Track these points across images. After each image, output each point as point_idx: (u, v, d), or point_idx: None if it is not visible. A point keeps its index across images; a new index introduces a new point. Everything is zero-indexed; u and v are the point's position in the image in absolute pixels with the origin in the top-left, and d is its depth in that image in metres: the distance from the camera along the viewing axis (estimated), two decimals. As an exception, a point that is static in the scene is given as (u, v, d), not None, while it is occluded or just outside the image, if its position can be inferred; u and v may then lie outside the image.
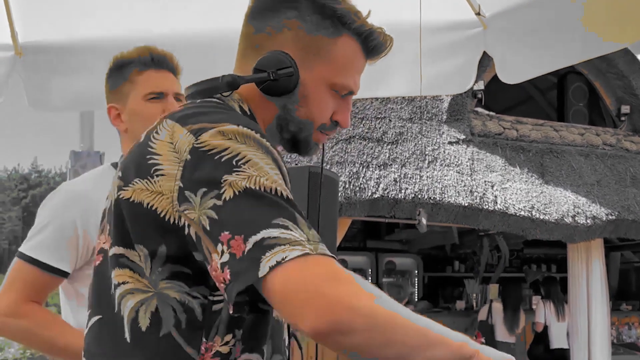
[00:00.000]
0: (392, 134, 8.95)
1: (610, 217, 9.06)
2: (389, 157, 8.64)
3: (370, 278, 11.01)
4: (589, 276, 9.47)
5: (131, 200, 1.30)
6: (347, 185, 8.09)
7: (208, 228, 1.19)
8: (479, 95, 9.49)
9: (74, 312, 2.30)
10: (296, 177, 3.10)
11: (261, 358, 1.35)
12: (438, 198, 8.35)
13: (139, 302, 1.30)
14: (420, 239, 11.44)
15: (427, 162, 8.73)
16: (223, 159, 1.22)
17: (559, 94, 11.43)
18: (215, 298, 1.29)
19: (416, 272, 11.93)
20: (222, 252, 1.17)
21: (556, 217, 8.71)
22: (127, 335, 1.31)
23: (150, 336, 1.28)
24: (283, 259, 1.12)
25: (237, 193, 1.18)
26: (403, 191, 8.26)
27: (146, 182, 1.28)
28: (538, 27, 2.87)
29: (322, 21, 1.44)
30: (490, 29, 3.06)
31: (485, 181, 8.77)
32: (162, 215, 1.26)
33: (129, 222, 1.31)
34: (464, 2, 3.04)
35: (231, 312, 1.20)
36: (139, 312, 1.29)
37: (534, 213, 8.65)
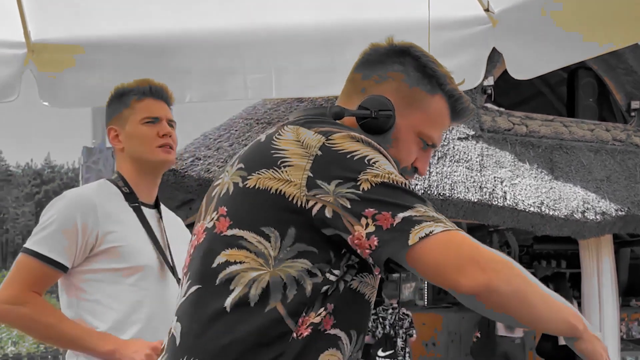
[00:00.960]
0: (401, 130, 8.96)
1: (620, 212, 9.06)
2: (398, 153, 8.65)
3: (381, 274, 11.03)
4: (600, 272, 9.47)
5: (256, 187, 1.45)
6: (357, 182, 8.11)
7: (349, 207, 1.37)
8: (489, 91, 9.49)
9: (74, 308, 2.42)
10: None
11: (348, 339, 1.48)
12: (447, 194, 8.37)
13: (251, 279, 1.42)
14: (430, 235, 11.44)
15: (436, 158, 8.75)
16: (355, 158, 1.40)
17: (568, 90, 11.42)
18: (331, 277, 1.42)
19: (425, 267, 11.93)
20: (367, 224, 1.35)
21: (565, 213, 8.72)
22: (227, 305, 1.43)
23: (256, 309, 1.41)
24: (431, 232, 1.32)
25: (374, 185, 1.37)
26: (413, 187, 8.27)
27: (272, 171, 1.44)
28: (548, 23, 2.88)
29: (422, 79, 1.64)
30: (500, 25, 3.06)
31: (494, 177, 8.78)
32: (290, 199, 1.41)
33: (253, 207, 1.46)
34: (473, -1, 3.05)
35: (377, 273, 1.48)
36: (251, 289, 1.41)
37: (543, 209, 8.66)
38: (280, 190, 1.43)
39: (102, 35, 3.15)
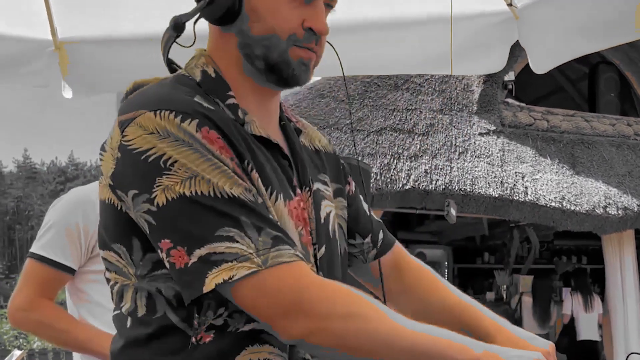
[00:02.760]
0: (422, 126, 8.96)
1: (642, 207, 9.01)
2: (419, 148, 8.65)
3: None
4: (622, 267, 9.43)
5: (100, 199, 1.29)
6: (378, 177, 8.12)
7: (148, 231, 1.18)
8: (510, 86, 9.47)
9: (76, 309, 2.49)
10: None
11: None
12: (468, 189, 8.36)
13: (131, 295, 1.28)
14: (451, 230, 11.43)
15: (457, 153, 8.73)
16: (150, 160, 1.16)
17: (590, 84, 11.35)
18: None
19: (446, 263, 11.90)
20: (164, 258, 1.17)
21: (587, 208, 8.68)
22: (128, 323, 1.30)
23: (147, 319, 1.27)
24: (230, 278, 1.11)
25: (170, 200, 1.14)
26: (434, 183, 8.28)
27: (102, 178, 1.27)
28: (570, 16, 2.89)
29: None
30: (522, 19, 3.07)
31: (515, 172, 8.76)
32: (118, 207, 1.24)
33: (102, 222, 1.31)
34: (495, -7, 3.06)
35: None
36: (137, 302, 1.28)
37: (564, 204, 8.63)
38: (111, 199, 1.25)
39: (126, 32, 3.21)
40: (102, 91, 3.38)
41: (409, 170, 8.35)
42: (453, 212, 7.63)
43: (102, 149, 1.27)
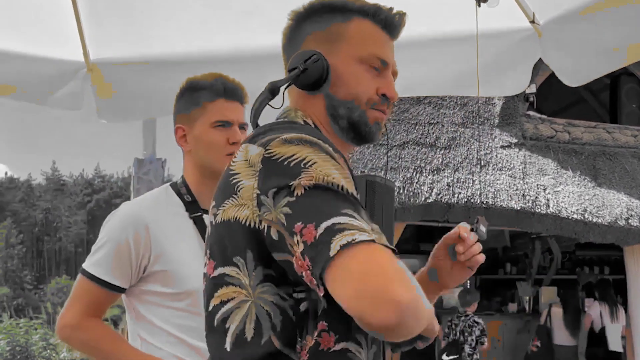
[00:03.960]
0: (445, 139, 9.00)
1: (664, 219, 8.98)
2: (442, 162, 8.69)
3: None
4: (644, 279, 9.39)
5: (223, 220, 1.42)
6: (401, 191, 8.17)
7: (285, 223, 1.29)
8: (531, 99, 9.48)
9: (133, 324, 2.47)
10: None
11: (360, 348, 1.42)
12: (491, 202, 8.38)
13: (244, 315, 1.39)
14: (472, 241, 11.42)
15: (479, 166, 8.75)
16: (292, 164, 1.32)
17: (611, 96, 11.35)
18: (299, 295, 1.37)
19: (468, 274, 11.89)
20: (298, 242, 1.27)
21: (609, 220, 8.67)
22: (227, 345, 1.41)
23: (253, 345, 1.37)
24: (353, 240, 1.22)
25: (306, 189, 1.29)
26: (456, 196, 8.31)
27: (232, 199, 1.40)
28: (593, 32, 2.92)
29: (332, 15, 1.59)
30: (545, 36, 3.11)
31: (537, 185, 8.77)
32: (244, 223, 1.37)
33: (224, 241, 1.42)
34: (518, 11, 3.10)
35: (321, 294, 1.28)
36: (246, 324, 1.38)
37: (586, 216, 8.62)
38: (238, 217, 1.38)
39: (155, 54, 3.27)
40: (132, 118, 3.44)
41: (431, 183, 8.39)
42: (483, 228, 7.61)
43: (230, 175, 1.43)
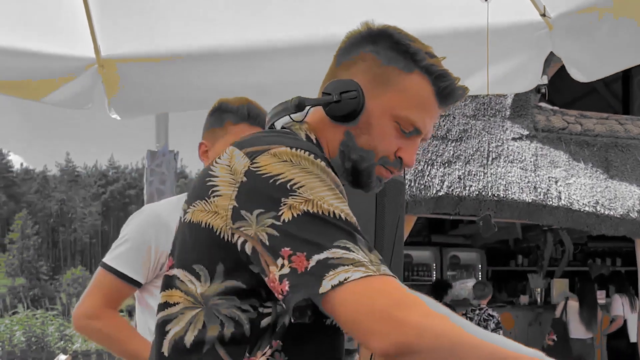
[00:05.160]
0: (456, 131, 8.98)
1: (676, 211, 8.94)
2: (453, 154, 8.67)
3: (435, 272, 11.05)
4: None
5: (192, 221, 1.36)
6: (412, 184, 8.16)
7: (267, 243, 1.24)
8: (543, 90, 9.43)
9: (144, 316, 2.64)
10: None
11: None
12: (502, 195, 8.36)
13: (187, 322, 1.34)
14: (484, 233, 11.43)
15: (490, 158, 8.74)
16: (278, 183, 1.26)
17: (623, 86, 11.30)
18: (265, 310, 1.32)
19: (480, 266, 11.90)
20: (282, 265, 1.21)
21: (621, 213, 8.63)
22: (165, 349, 1.37)
23: (193, 352, 1.33)
24: (346, 279, 1.17)
25: (295, 215, 1.23)
26: (467, 188, 8.30)
27: (204, 202, 1.34)
28: (604, 26, 2.91)
29: (396, 56, 1.48)
30: (556, 29, 3.10)
31: (549, 177, 8.74)
32: (216, 232, 1.31)
33: (191, 244, 1.37)
34: (529, 4, 3.09)
35: (293, 320, 1.30)
36: (188, 331, 1.34)
37: (598, 208, 8.59)
38: (209, 224, 1.32)
39: (165, 50, 3.29)
40: (144, 112, 3.47)
41: (442, 176, 8.38)
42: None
43: (210, 175, 1.37)
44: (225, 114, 2.53)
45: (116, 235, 2.60)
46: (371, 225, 3.06)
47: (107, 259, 2.52)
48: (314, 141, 1.50)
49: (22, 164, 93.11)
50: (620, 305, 9.66)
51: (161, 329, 1.39)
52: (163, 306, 1.40)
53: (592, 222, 8.64)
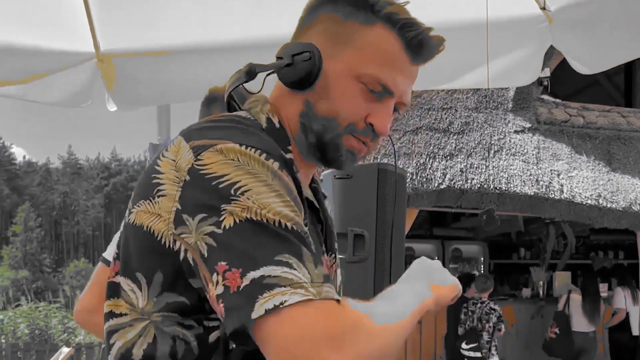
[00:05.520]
0: (458, 124, 8.97)
1: (678, 204, 8.94)
2: (455, 147, 8.67)
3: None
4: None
5: (135, 223, 1.23)
6: (414, 177, 8.16)
7: (205, 255, 1.10)
8: (545, 83, 9.42)
9: None
10: (365, 175, 3.19)
11: None
12: (504, 188, 8.36)
13: (137, 334, 1.23)
14: (486, 226, 11.43)
15: (492, 151, 8.73)
16: (221, 185, 1.12)
17: (626, 79, 11.28)
18: (212, 324, 1.20)
19: (482, 259, 11.93)
20: (217, 282, 1.08)
21: (623, 205, 8.63)
22: None
23: None
24: (282, 303, 1.03)
25: (237, 222, 1.09)
26: (469, 181, 8.30)
27: (148, 203, 1.20)
28: (604, 19, 2.90)
29: (355, 11, 1.32)
30: (556, 22, 3.09)
31: (551, 170, 8.74)
32: (158, 238, 1.18)
33: (134, 249, 1.24)
34: (529, -3, 3.08)
35: (233, 346, 1.18)
36: (136, 345, 1.23)
37: (600, 201, 8.59)
38: (151, 228, 1.19)
39: (164, 44, 3.28)
40: (145, 104, 3.48)
41: (444, 169, 8.38)
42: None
43: (156, 171, 1.22)
44: (214, 104, 2.51)
45: (119, 228, 2.60)
46: (372, 219, 3.07)
47: (107, 253, 2.51)
48: (277, 124, 1.35)
49: (24, 157, 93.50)
50: (622, 298, 9.67)
51: (108, 340, 1.28)
52: (109, 316, 1.28)
53: (595, 215, 8.64)
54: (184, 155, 1.18)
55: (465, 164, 8.49)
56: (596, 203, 8.57)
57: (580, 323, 9.46)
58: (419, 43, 1.32)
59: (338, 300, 1.09)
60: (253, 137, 1.22)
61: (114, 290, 1.28)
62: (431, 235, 11.94)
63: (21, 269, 59.25)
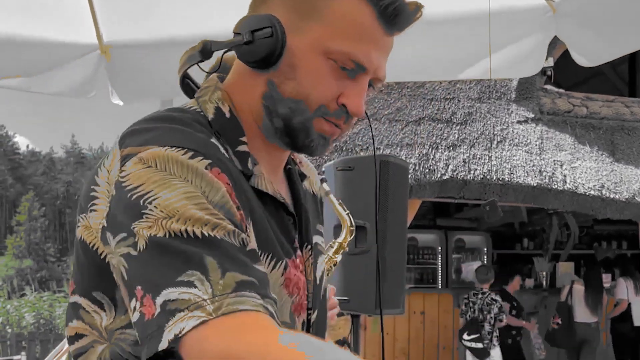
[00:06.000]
0: (461, 115, 8.96)
1: (682, 195, 8.93)
2: (458, 138, 8.66)
3: (440, 255, 11.05)
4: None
5: (82, 239, 1.14)
6: (416, 167, 8.16)
7: (126, 278, 1.03)
8: (549, 72, 9.40)
9: None
10: (366, 167, 3.19)
11: None
12: (507, 178, 8.35)
13: (98, 356, 1.15)
14: (489, 216, 11.45)
15: (495, 142, 8.72)
16: (133, 198, 1.03)
17: (630, 69, 11.25)
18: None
19: (485, 249, 11.89)
20: (135, 308, 1.00)
21: (627, 196, 8.63)
22: None
23: None
24: (181, 331, 0.94)
25: (147, 243, 1.00)
26: (472, 172, 8.29)
27: (86, 217, 1.13)
28: (609, 9, 2.89)
29: None
30: (560, 13, 3.08)
31: (554, 160, 8.73)
32: (100, 255, 1.11)
33: (86, 266, 1.15)
34: (532, -13, 3.07)
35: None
36: None
37: (604, 192, 8.58)
38: (93, 245, 1.11)
39: (169, 35, 3.27)
40: (148, 97, 3.46)
41: (447, 160, 8.37)
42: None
43: (94, 182, 1.13)
44: None
45: None
46: (373, 210, 3.07)
47: None
48: (227, 114, 1.22)
49: (28, 146, 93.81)
50: (624, 289, 9.67)
51: None
52: (73, 339, 1.19)
53: (598, 206, 8.63)
54: (115, 166, 1.09)
55: (468, 154, 8.48)
56: (599, 194, 8.56)
57: (582, 314, 9.46)
58: (393, 11, 1.17)
59: (258, 308, 0.98)
60: (181, 135, 1.10)
61: (73, 313, 1.18)
62: (434, 226, 11.92)
63: (25, 259, 59.48)
